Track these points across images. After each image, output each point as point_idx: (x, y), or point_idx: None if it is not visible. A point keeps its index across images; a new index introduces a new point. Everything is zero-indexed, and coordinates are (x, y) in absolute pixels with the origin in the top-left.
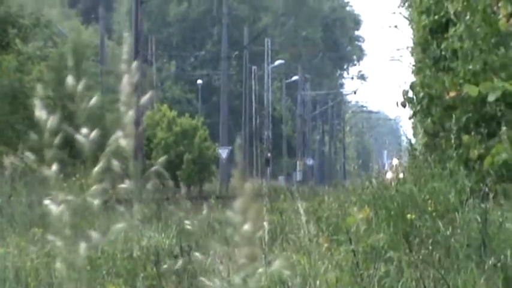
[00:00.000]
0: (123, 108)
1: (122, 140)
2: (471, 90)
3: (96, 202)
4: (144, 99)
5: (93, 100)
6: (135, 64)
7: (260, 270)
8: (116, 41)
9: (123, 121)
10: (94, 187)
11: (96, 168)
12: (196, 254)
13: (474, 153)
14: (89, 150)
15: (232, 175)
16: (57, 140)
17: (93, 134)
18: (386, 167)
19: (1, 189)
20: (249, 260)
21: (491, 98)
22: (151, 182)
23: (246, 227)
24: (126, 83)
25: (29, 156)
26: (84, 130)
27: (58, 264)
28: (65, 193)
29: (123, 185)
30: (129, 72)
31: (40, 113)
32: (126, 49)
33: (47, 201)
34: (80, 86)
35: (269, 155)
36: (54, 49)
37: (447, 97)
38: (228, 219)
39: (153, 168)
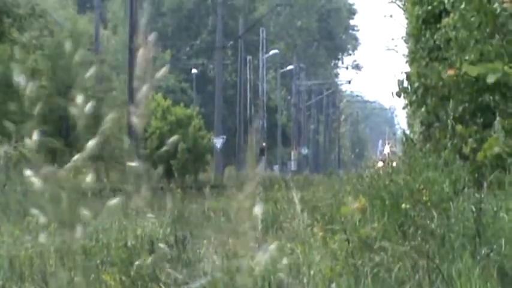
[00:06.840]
0: (137, 83)
1: (134, 118)
2: (470, 70)
3: (89, 179)
4: (159, 73)
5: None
6: (152, 36)
7: (253, 258)
8: (111, 30)
9: (136, 98)
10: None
11: (90, 143)
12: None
13: (469, 143)
14: (82, 122)
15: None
16: (37, 108)
17: (89, 105)
18: (378, 155)
19: None
20: (242, 248)
21: (490, 79)
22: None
23: (236, 214)
24: (141, 57)
25: (9, 126)
26: (79, 99)
27: (41, 239)
28: (48, 167)
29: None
30: (144, 45)
31: (18, 78)
32: (144, 21)
33: (28, 172)
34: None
35: (264, 144)
36: (50, 38)
37: (444, 76)
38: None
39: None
